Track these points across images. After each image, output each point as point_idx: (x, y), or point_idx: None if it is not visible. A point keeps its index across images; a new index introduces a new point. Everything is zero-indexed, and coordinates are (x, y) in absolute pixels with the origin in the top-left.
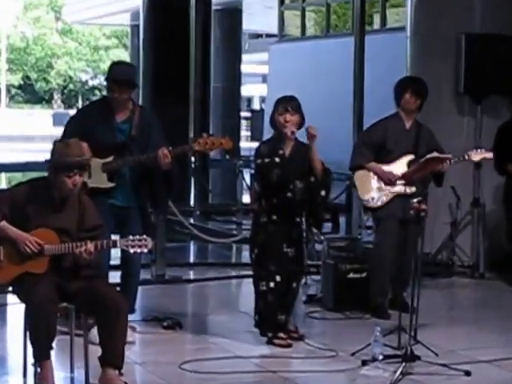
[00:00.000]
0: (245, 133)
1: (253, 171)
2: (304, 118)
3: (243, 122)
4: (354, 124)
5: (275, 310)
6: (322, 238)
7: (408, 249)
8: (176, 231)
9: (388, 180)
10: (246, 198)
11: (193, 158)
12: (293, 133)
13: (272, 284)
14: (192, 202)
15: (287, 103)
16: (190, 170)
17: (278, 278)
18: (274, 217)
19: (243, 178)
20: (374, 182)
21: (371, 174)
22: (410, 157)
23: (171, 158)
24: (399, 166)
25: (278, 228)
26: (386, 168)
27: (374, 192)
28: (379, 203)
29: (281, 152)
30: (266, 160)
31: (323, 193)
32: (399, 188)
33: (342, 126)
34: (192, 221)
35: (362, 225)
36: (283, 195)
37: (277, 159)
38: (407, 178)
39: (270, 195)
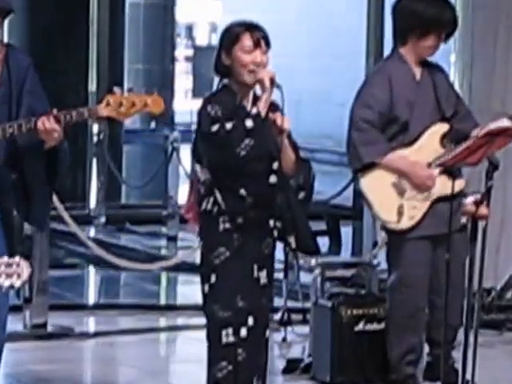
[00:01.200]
0: (183, 84)
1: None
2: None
3: (180, 67)
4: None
5: (249, 376)
6: (313, 261)
7: (452, 281)
8: (67, 250)
9: (425, 183)
10: (185, 195)
11: (95, 129)
12: (273, 82)
13: (243, 331)
14: (93, 203)
15: (258, 33)
16: (91, 150)
17: (250, 322)
18: (240, 220)
19: (180, 161)
20: (399, 186)
21: (391, 174)
22: (441, 127)
23: (59, 129)
24: (428, 149)
25: (246, 238)
26: (410, 157)
27: (401, 205)
28: (412, 222)
29: (254, 111)
30: (228, 125)
31: (301, 195)
32: (440, 187)
33: (339, 82)
34: (93, 233)
35: (378, 241)
36: (260, 181)
37: (248, 122)
38: (451, 165)
39: (232, 185)
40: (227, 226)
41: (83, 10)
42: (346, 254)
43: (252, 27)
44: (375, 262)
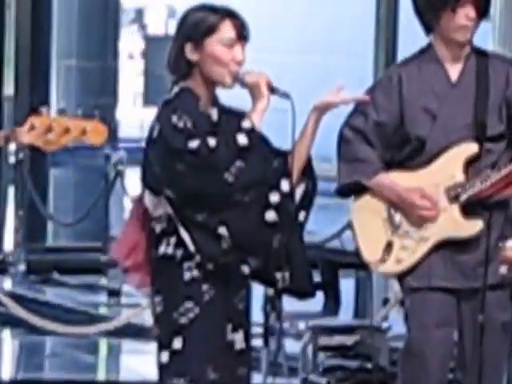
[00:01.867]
0: (131, 87)
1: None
2: None
3: (127, 64)
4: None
5: None
6: (302, 325)
7: (485, 353)
8: None
9: (421, 214)
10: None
11: (12, 146)
12: (270, 88)
13: None
14: (9, 245)
15: (239, 19)
16: (7, 174)
17: None
18: (210, 266)
19: (125, 190)
20: (390, 219)
21: (383, 202)
22: (467, 148)
23: None
24: (444, 174)
25: (217, 290)
26: (411, 181)
27: (390, 243)
28: (399, 267)
29: (246, 124)
30: (212, 141)
31: (301, 216)
32: (452, 227)
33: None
34: (9, 285)
35: (390, 298)
36: (248, 217)
37: (242, 138)
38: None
39: (208, 221)
40: (195, 274)
41: None
42: (346, 315)
43: (231, 13)
44: (385, 325)
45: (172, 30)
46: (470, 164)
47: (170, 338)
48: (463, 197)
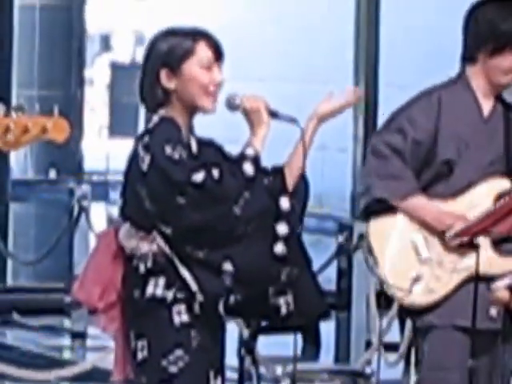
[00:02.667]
0: (96, 118)
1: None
2: None
3: (92, 93)
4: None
5: None
6: (279, 370)
7: None
8: None
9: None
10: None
11: None
12: (271, 113)
13: None
14: None
15: (215, 43)
16: None
17: None
18: (197, 309)
19: (90, 226)
20: (421, 245)
21: (413, 226)
22: (500, 183)
23: None
24: (475, 207)
25: (204, 334)
26: (444, 207)
27: (419, 269)
28: (429, 299)
29: (250, 152)
30: (215, 172)
31: (283, 229)
32: (486, 263)
33: None
34: None
35: (373, 341)
36: (254, 250)
37: (248, 168)
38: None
39: (210, 257)
40: (184, 318)
41: None
42: (326, 360)
43: (203, 33)
44: (368, 370)
45: (140, 57)
46: (499, 199)
47: None
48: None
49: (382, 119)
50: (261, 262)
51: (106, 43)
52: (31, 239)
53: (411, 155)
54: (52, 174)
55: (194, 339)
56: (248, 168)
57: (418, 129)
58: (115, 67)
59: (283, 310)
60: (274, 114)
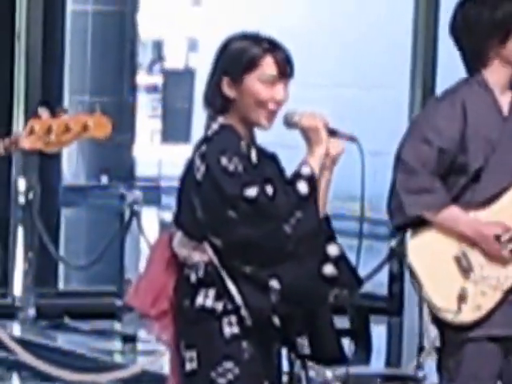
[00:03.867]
0: (148, 124)
1: (170, 212)
2: None
3: (144, 100)
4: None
5: None
6: (329, 374)
7: None
8: None
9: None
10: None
11: (22, 185)
12: (330, 131)
13: None
14: (18, 289)
15: (283, 54)
16: (15, 215)
17: None
18: (249, 322)
19: (141, 231)
20: (462, 259)
21: (453, 241)
22: None
23: None
24: (509, 214)
25: (256, 347)
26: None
27: (464, 289)
28: (478, 314)
29: (306, 171)
30: (269, 189)
31: (334, 250)
32: None
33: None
34: (18, 330)
35: (425, 345)
36: (303, 270)
37: (302, 187)
38: None
39: (258, 273)
40: (235, 330)
41: (6, 20)
42: (378, 364)
43: (275, 46)
44: (420, 374)
45: (192, 63)
46: None
47: None
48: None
49: None
50: (309, 282)
51: (158, 49)
52: (83, 244)
53: (438, 165)
54: (104, 180)
55: (246, 351)
56: (302, 187)
57: (444, 137)
58: (168, 73)
59: (304, 351)
60: (332, 133)
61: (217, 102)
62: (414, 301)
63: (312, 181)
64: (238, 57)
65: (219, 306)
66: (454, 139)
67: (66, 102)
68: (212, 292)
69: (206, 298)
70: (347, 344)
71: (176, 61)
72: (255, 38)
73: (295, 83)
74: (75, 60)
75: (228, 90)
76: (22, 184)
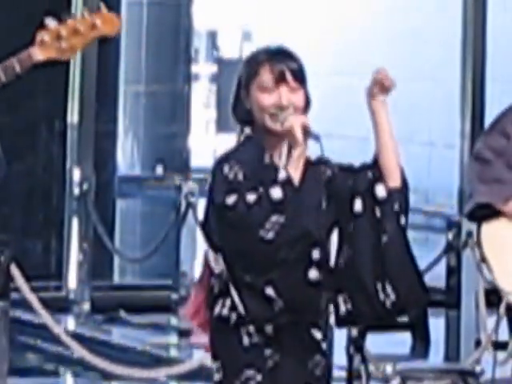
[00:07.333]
0: (203, 114)
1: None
2: (309, 96)
3: (199, 89)
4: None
5: None
6: (389, 369)
7: None
8: (35, 350)
9: None
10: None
11: (76, 176)
12: (306, 132)
13: None
14: (73, 282)
15: (281, 62)
16: (70, 206)
17: None
18: (270, 330)
19: (197, 223)
20: None
21: None
22: None
23: None
24: None
25: (284, 355)
26: None
27: None
28: None
29: (282, 175)
30: (251, 197)
31: (403, 220)
32: None
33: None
34: (72, 325)
35: (482, 339)
36: (294, 276)
37: (275, 192)
38: None
39: (255, 282)
40: (255, 339)
41: (62, 10)
42: (436, 358)
43: (275, 55)
44: (478, 369)
45: (246, 52)
46: None
47: None
48: None
49: (489, 115)
50: (299, 288)
51: (213, 39)
52: (138, 236)
53: None
54: (159, 171)
55: (270, 359)
56: (276, 192)
57: None
58: (222, 63)
59: (381, 297)
60: (307, 134)
61: (240, 114)
62: (471, 294)
63: (286, 185)
64: (245, 68)
65: (233, 316)
66: None
67: (121, 92)
68: (228, 302)
69: (223, 308)
70: (405, 338)
71: (230, 51)
72: (265, 50)
73: (351, 75)
74: (130, 50)
75: (245, 101)
76: (76, 175)
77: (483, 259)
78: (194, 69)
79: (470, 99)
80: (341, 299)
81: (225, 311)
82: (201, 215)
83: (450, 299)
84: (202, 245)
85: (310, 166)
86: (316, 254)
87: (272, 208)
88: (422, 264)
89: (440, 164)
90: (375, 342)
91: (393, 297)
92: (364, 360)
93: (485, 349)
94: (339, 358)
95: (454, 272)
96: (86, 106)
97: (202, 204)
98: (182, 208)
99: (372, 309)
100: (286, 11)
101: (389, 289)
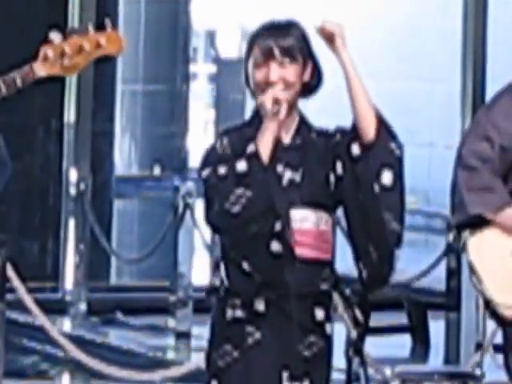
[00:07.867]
0: (201, 113)
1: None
2: (320, 70)
3: (197, 89)
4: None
5: None
6: (389, 371)
7: None
8: (31, 351)
9: None
10: (206, 271)
11: (73, 176)
12: (277, 102)
13: None
14: (69, 283)
15: (270, 38)
16: (66, 207)
17: None
18: (261, 306)
19: (195, 224)
20: None
21: (511, 236)
22: None
23: None
24: None
25: (269, 335)
26: None
27: None
28: None
29: (250, 149)
30: (222, 170)
31: (387, 179)
32: None
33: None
34: (68, 326)
35: (484, 342)
36: (260, 250)
37: (240, 165)
38: None
39: (235, 256)
40: (238, 313)
41: (59, 11)
42: (436, 361)
43: (267, 30)
44: (478, 372)
45: None
46: None
47: (209, 380)
48: None
49: None
50: (266, 261)
51: (211, 38)
52: (135, 237)
53: (499, 163)
54: (156, 171)
55: (250, 336)
56: (240, 165)
57: (504, 135)
58: (221, 62)
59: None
60: (278, 106)
61: (249, 89)
62: (471, 296)
63: (252, 159)
64: (246, 44)
65: (222, 288)
66: None
67: (119, 91)
68: (217, 273)
69: (216, 279)
70: (404, 340)
71: (229, 50)
72: (261, 26)
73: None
74: (128, 49)
75: (248, 77)
76: (73, 175)
77: (472, 269)
78: (193, 68)
79: (471, 99)
80: (361, 265)
81: (217, 282)
82: (199, 217)
83: (450, 302)
84: (199, 246)
85: (309, 139)
86: (278, 227)
87: (236, 181)
88: (421, 266)
89: (440, 165)
90: (375, 345)
91: (374, 256)
92: (363, 363)
93: (486, 351)
94: (338, 360)
95: (454, 274)
96: (82, 105)
97: (199, 205)
98: (180, 209)
99: (373, 270)
100: (286, 11)
101: (371, 249)
